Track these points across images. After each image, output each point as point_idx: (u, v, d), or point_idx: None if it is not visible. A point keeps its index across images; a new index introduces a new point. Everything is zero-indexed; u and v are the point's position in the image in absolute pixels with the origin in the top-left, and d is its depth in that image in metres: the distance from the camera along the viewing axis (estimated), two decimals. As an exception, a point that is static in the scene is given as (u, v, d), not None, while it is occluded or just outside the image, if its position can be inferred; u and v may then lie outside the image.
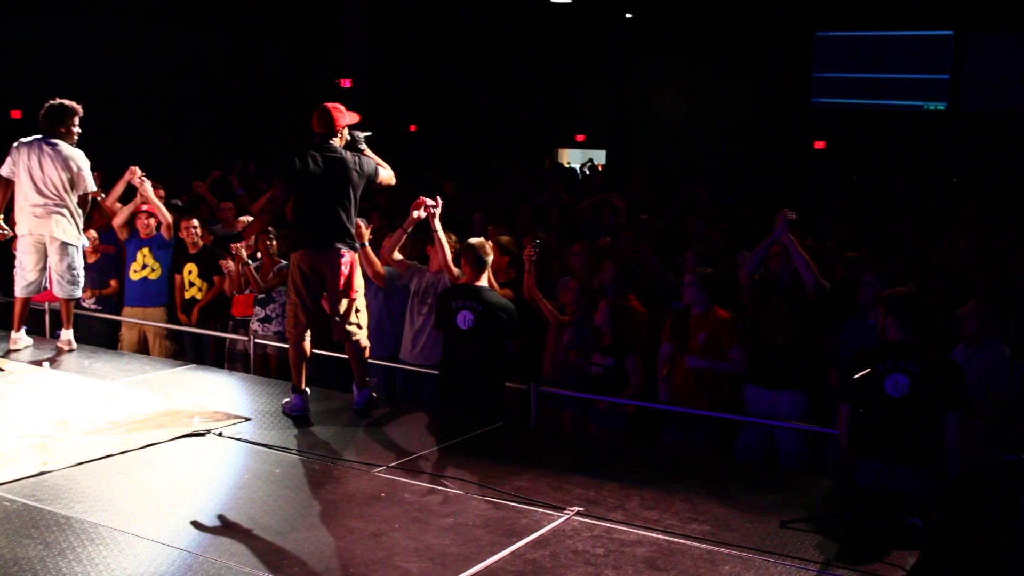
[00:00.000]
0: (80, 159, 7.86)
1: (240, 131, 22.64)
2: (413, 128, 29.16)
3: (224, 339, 9.08)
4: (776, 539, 4.71)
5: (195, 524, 4.75)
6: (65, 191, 7.80)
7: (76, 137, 7.96)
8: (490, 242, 7.29)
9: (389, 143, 6.91)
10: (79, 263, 8.08)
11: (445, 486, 5.31)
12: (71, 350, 8.17)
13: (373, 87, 21.54)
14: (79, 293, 8.20)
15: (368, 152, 6.78)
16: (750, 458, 6.59)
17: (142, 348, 9.58)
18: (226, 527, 4.72)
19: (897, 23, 24.42)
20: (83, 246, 8.20)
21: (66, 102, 7.92)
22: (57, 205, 7.80)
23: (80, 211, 7.97)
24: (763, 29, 24.86)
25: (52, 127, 7.85)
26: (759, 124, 26.30)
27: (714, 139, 26.77)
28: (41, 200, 7.78)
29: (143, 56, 22.30)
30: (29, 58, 21.20)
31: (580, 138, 31.94)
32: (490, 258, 6.92)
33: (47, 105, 7.91)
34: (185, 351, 9.53)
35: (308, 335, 6.65)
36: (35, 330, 9.09)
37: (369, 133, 6.88)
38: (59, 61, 21.48)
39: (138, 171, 9.25)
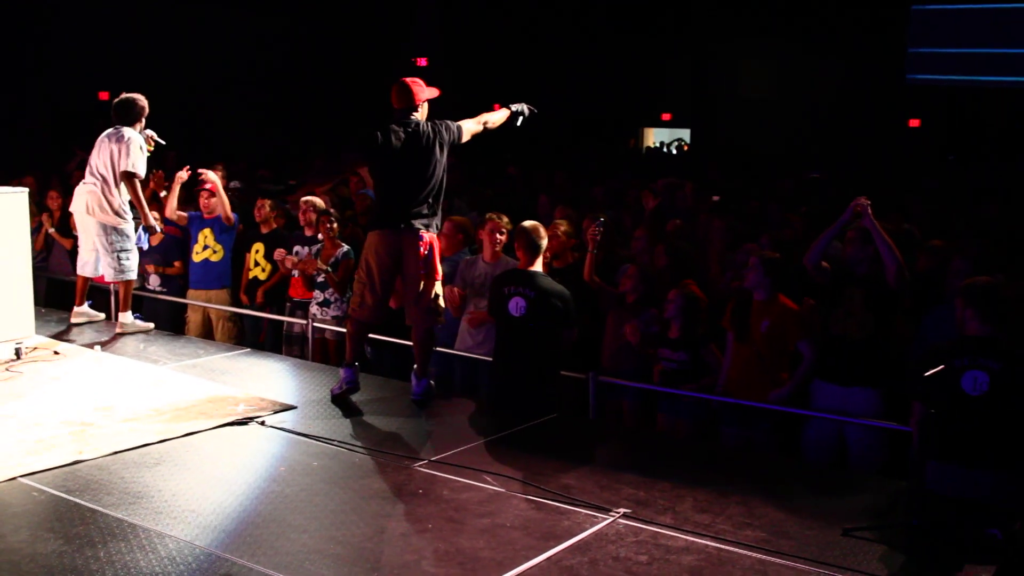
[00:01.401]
0: (133, 140, 7.85)
1: (315, 112, 22.64)
2: (497, 107, 28.91)
3: (281, 322, 8.92)
4: (836, 549, 4.36)
5: (221, 520, 4.55)
6: (110, 171, 7.84)
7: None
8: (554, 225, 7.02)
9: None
10: (125, 245, 8.06)
11: (487, 483, 5.05)
12: (137, 332, 8.14)
13: (453, 66, 21.36)
14: (130, 276, 8.15)
15: (496, 115, 6.77)
16: (818, 456, 6.18)
17: (207, 330, 9.52)
18: (253, 524, 4.52)
19: (997, -6, 23.41)
20: (135, 230, 8.17)
21: (139, 99, 8.01)
22: (95, 184, 7.84)
23: (126, 192, 7.95)
24: (856, 2, 24.03)
25: (126, 120, 7.97)
26: (851, 102, 25.47)
27: (804, 117, 26.02)
28: (88, 178, 7.91)
29: (220, 38, 22.43)
30: (114, 40, 21.46)
31: (666, 117, 31.42)
32: (544, 242, 6.62)
33: (122, 97, 8.02)
34: (246, 335, 9.43)
35: (372, 318, 6.48)
36: (100, 311, 9.06)
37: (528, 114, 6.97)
38: (143, 43, 21.73)
39: (211, 174, 9.24)
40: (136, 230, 8.26)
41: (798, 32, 25.57)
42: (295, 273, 8.77)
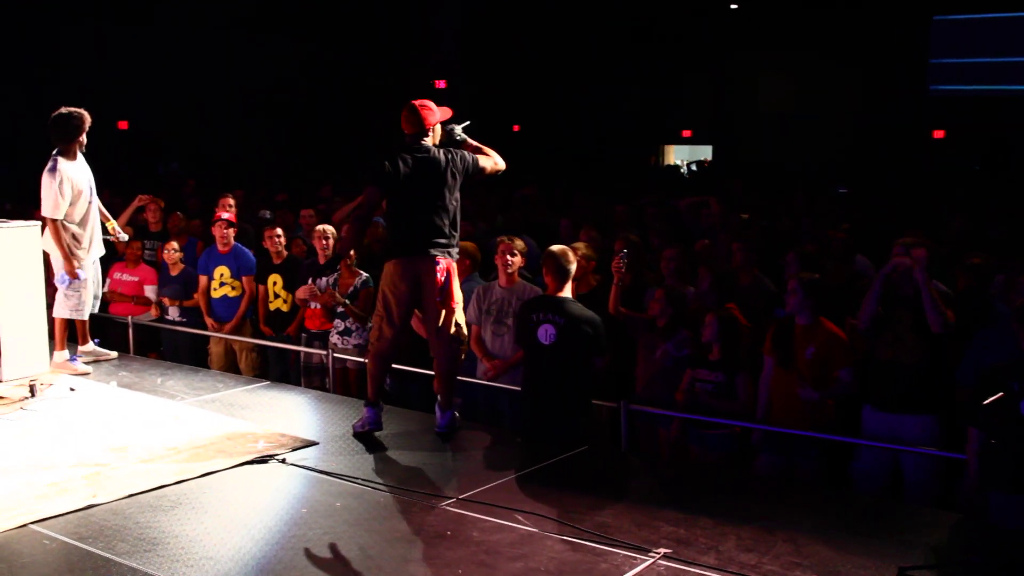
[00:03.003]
0: (54, 180, 7.33)
1: (335, 138, 22.60)
2: (516, 128, 28.85)
3: (301, 353, 8.71)
4: (893, 589, 4.09)
5: (239, 568, 4.32)
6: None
7: (83, 147, 7.60)
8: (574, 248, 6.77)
9: (492, 144, 6.45)
10: (76, 284, 7.63)
11: (518, 522, 4.80)
12: (72, 374, 7.60)
13: (473, 88, 21.25)
14: (80, 316, 7.75)
15: (471, 142, 6.38)
16: (869, 486, 5.88)
17: (230, 361, 9.35)
18: (273, 572, 4.29)
19: (1021, 2, 23.10)
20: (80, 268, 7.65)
21: (74, 112, 7.50)
22: (45, 220, 7.48)
23: (75, 229, 7.54)
24: (876, 14, 23.79)
25: (59, 140, 7.49)
26: (873, 114, 25.23)
27: (825, 131, 25.77)
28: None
29: (239, 66, 22.41)
30: (133, 69, 21.49)
31: (686, 134, 31.26)
32: (573, 267, 6.38)
33: (55, 114, 7.50)
34: (270, 365, 9.23)
35: (391, 351, 6.26)
36: (119, 346, 8.91)
37: (467, 123, 6.45)
38: (162, 73, 21.74)
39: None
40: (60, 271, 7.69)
41: (818, 45, 25.36)
42: (314, 305, 8.58)
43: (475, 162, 6.20)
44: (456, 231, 6.17)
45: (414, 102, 6.19)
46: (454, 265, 6.15)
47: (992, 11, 24.06)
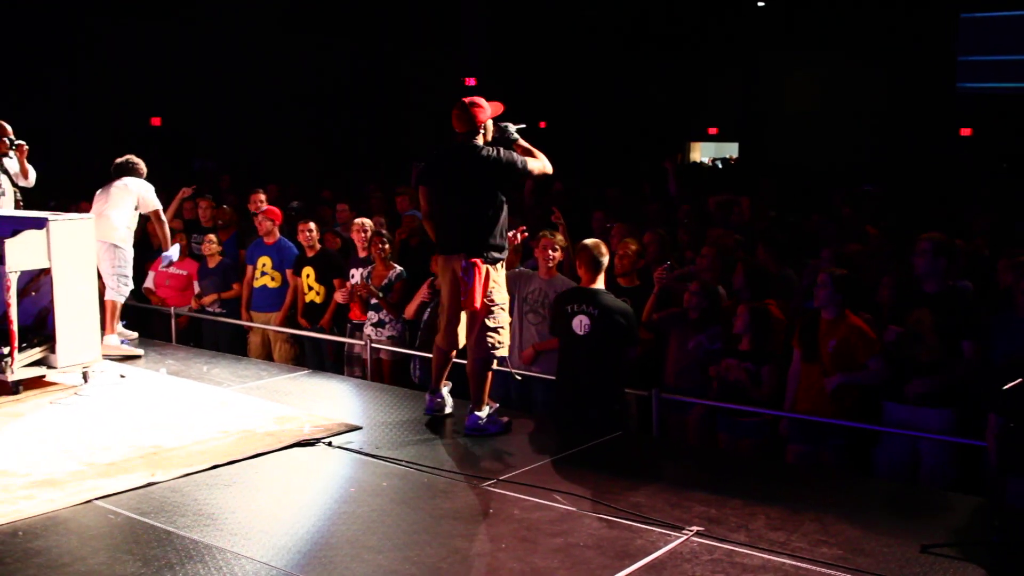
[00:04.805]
0: (143, 184, 8.55)
1: (366, 134, 22.84)
2: (543, 124, 29.05)
3: (343, 343, 8.97)
4: (916, 565, 4.30)
5: (295, 541, 4.58)
6: (116, 206, 8.29)
7: None
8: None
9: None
10: (125, 270, 8.39)
11: (557, 502, 5.03)
12: (122, 356, 8.11)
13: (500, 84, 21.45)
14: (123, 298, 8.44)
15: (522, 143, 6.26)
16: (890, 474, 6.09)
17: (267, 351, 9.60)
18: (326, 545, 4.54)
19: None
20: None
21: (140, 163, 8.61)
22: (99, 214, 8.13)
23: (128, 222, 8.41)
24: (903, 12, 23.84)
25: (124, 175, 8.54)
26: (900, 112, 25.24)
27: (852, 129, 25.82)
28: (95, 207, 8.32)
29: (270, 63, 22.68)
30: (167, 66, 21.79)
31: (713, 131, 31.38)
32: (606, 259, 6.58)
33: (125, 159, 8.61)
34: (306, 355, 9.48)
35: (444, 342, 6.33)
36: (162, 335, 9.21)
37: (522, 125, 6.36)
38: (195, 68, 22.03)
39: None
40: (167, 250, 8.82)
41: (845, 42, 25.41)
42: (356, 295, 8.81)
43: (523, 164, 6.05)
44: (497, 230, 6.00)
45: (464, 99, 6.07)
46: (491, 269, 6.02)
47: (1021, 8, 24.03)
